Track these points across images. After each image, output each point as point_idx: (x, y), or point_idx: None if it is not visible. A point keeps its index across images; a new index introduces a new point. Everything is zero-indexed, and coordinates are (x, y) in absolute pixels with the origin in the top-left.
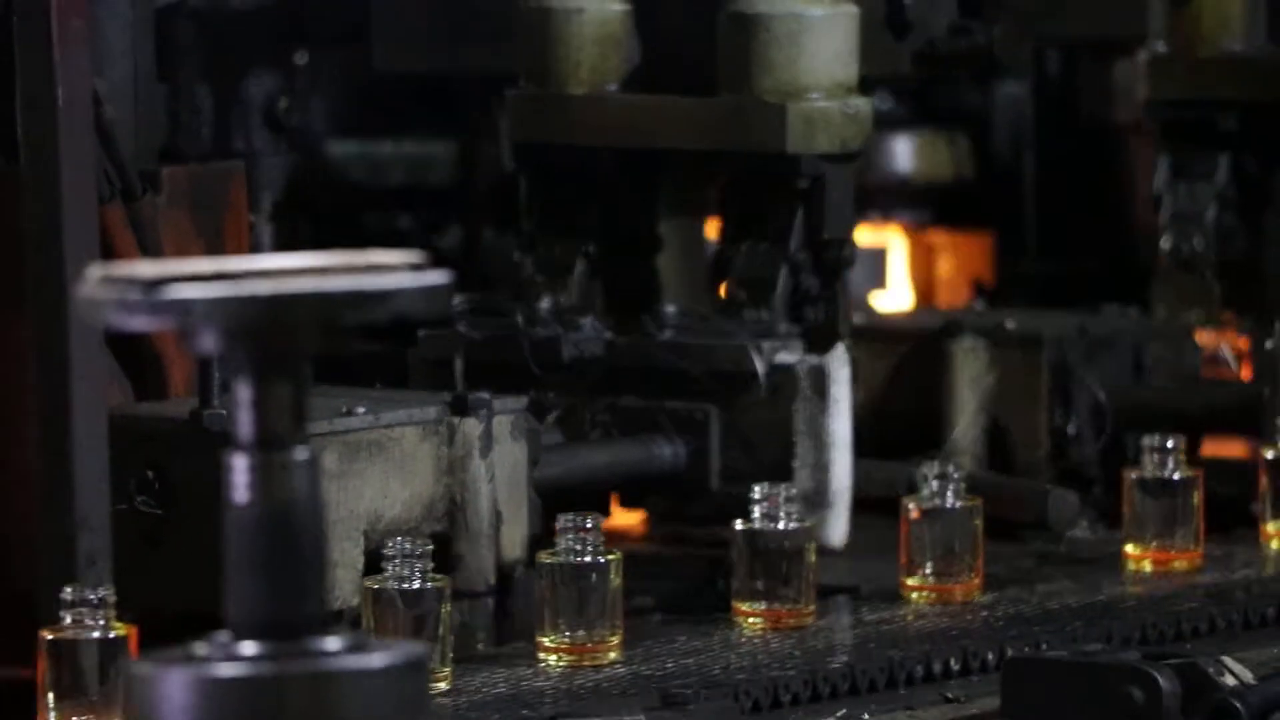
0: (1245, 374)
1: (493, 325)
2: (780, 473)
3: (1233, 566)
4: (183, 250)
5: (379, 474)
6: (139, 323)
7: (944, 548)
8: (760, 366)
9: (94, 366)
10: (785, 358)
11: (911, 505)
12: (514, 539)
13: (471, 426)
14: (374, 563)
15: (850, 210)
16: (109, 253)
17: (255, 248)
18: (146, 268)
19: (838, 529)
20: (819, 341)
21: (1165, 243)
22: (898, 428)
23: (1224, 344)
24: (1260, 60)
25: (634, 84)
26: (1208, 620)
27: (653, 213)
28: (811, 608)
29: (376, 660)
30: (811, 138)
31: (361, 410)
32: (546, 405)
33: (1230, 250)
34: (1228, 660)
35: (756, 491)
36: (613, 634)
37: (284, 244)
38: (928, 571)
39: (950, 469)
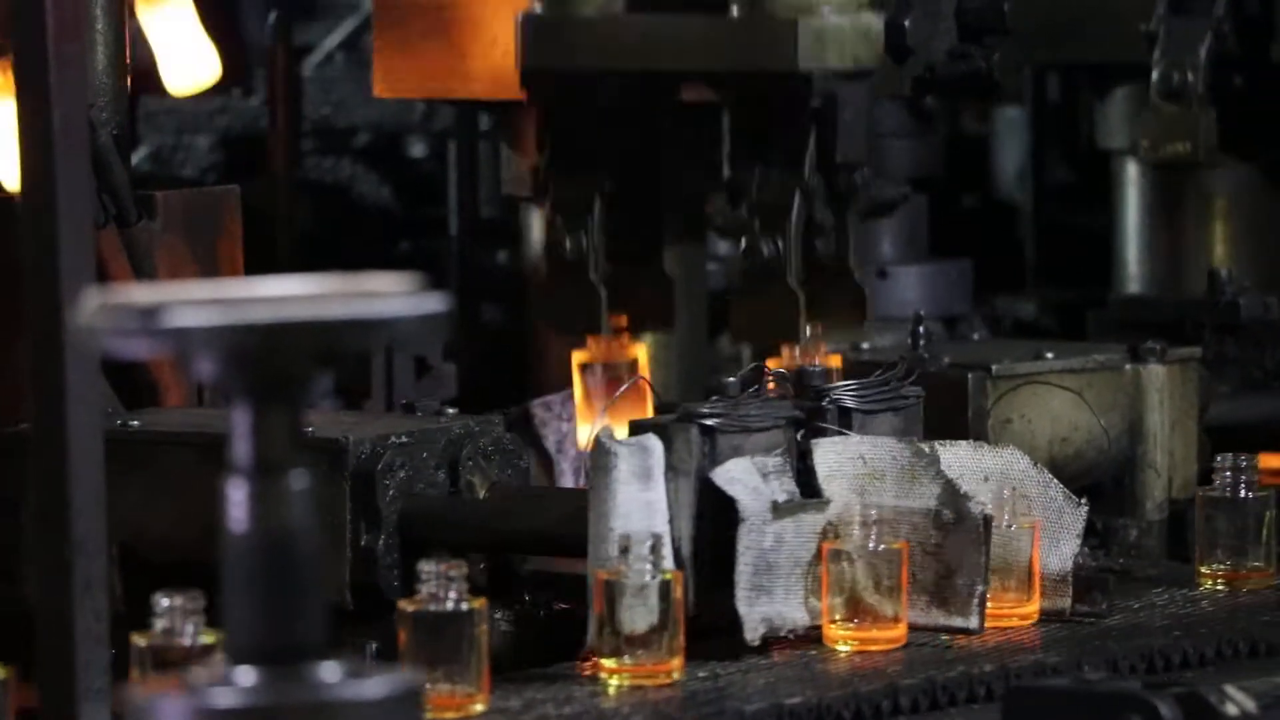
0: None
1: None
2: None
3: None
4: (177, 275)
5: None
6: (136, 349)
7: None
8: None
9: (90, 392)
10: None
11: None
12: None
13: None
14: None
15: (862, 131)
16: (103, 278)
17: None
18: (143, 293)
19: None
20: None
21: (1156, 75)
22: None
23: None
24: None
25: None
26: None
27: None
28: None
29: (374, 689)
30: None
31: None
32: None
33: (1226, 86)
34: (1230, 689)
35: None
36: None
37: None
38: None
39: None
